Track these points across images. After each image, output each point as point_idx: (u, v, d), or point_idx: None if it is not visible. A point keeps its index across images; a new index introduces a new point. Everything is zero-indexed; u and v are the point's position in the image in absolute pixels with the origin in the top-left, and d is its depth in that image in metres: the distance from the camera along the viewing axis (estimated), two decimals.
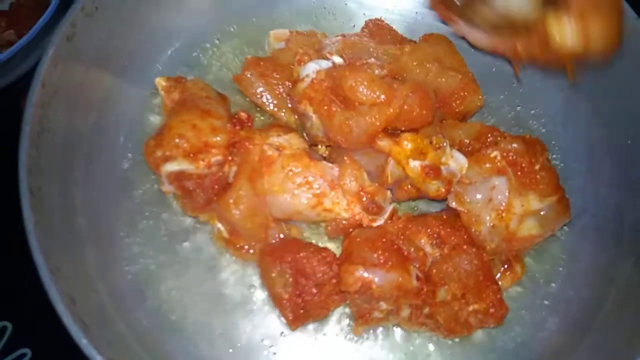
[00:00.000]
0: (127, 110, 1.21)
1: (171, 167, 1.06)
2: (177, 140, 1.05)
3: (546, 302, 1.15)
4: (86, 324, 0.87)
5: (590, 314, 1.10)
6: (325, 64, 1.12)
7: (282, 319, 1.06)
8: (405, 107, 1.05)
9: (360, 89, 1.04)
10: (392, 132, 1.09)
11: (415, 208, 1.21)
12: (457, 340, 1.10)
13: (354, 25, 1.37)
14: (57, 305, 0.87)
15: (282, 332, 1.09)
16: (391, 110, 1.04)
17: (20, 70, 1.40)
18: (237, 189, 1.05)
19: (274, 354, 1.08)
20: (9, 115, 1.21)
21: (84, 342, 0.85)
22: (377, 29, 1.27)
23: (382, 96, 1.04)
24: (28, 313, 1.21)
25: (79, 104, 1.10)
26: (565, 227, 1.19)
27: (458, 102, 1.17)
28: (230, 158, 1.08)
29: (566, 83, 1.23)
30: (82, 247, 1.03)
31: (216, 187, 1.07)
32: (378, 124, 1.05)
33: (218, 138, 1.07)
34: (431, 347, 1.10)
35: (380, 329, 1.10)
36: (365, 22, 1.28)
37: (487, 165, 1.07)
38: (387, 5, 1.39)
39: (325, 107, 1.08)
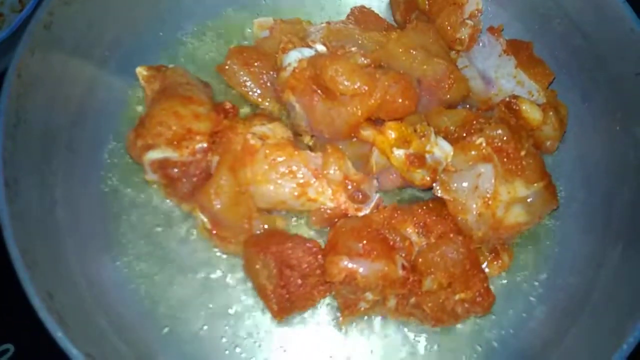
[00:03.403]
0: (108, 100, 1.20)
1: (154, 155, 1.04)
2: (158, 128, 1.03)
3: (534, 291, 1.15)
4: (63, 318, 0.86)
5: (578, 302, 1.09)
6: (308, 53, 1.11)
7: (267, 310, 1.05)
8: (388, 97, 1.04)
9: (341, 79, 1.02)
10: (376, 120, 1.08)
11: (401, 197, 1.19)
12: (445, 330, 1.09)
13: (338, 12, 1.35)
14: (32, 300, 0.86)
15: (267, 324, 1.08)
16: (373, 100, 1.03)
17: (2, 64, 1.37)
18: (218, 179, 1.03)
19: (259, 346, 1.07)
20: None
21: (59, 335, 0.84)
22: (363, 16, 1.26)
23: (364, 87, 1.03)
24: (10, 308, 1.19)
25: (58, 95, 1.08)
26: (553, 215, 1.19)
27: (444, 90, 1.15)
28: (213, 147, 1.07)
29: (554, 69, 1.22)
30: (61, 241, 1.01)
31: (199, 177, 1.06)
32: (360, 114, 1.03)
33: (201, 125, 1.05)
34: (419, 337, 1.09)
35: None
36: (351, 9, 1.26)
37: (473, 152, 1.05)
38: None
39: (307, 97, 1.06)
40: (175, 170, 1.04)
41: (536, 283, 1.15)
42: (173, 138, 1.03)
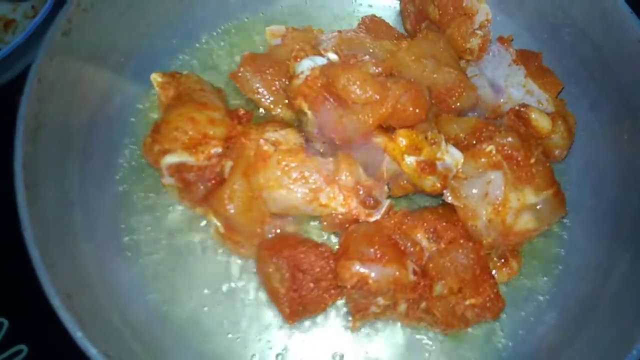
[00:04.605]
0: (123, 106, 1.22)
1: (171, 159, 1.06)
2: (175, 133, 1.05)
3: (543, 297, 1.16)
4: (82, 319, 0.87)
5: (587, 309, 1.10)
6: (320, 61, 1.12)
7: (279, 313, 1.06)
8: (399, 106, 1.05)
9: (353, 89, 1.03)
10: (387, 128, 1.09)
11: (412, 203, 1.20)
12: (454, 335, 1.10)
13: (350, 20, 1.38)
14: (52, 300, 0.87)
15: (279, 327, 1.09)
16: (384, 109, 1.04)
17: (16, 70, 1.40)
18: (232, 184, 1.05)
19: (270, 348, 1.08)
20: (5, 113, 1.21)
21: (79, 335, 0.85)
22: (374, 25, 1.27)
23: (376, 96, 1.04)
24: (24, 309, 1.21)
25: (75, 100, 1.10)
26: (562, 222, 1.20)
27: (454, 98, 1.17)
28: (227, 152, 1.08)
29: (563, 79, 1.23)
30: (78, 243, 1.03)
31: (213, 181, 1.08)
32: (371, 122, 1.04)
33: (217, 130, 1.07)
34: (429, 341, 1.10)
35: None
36: (362, 18, 1.28)
37: (483, 159, 1.06)
38: (384, 2, 1.40)
39: (319, 105, 1.07)
40: (192, 174, 1.06)
41: (545, 289, 1.16)
42: (189, 143, 1.05)
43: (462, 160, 1.07)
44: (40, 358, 1.19)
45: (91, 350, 0.84)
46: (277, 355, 1.08)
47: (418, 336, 1.10)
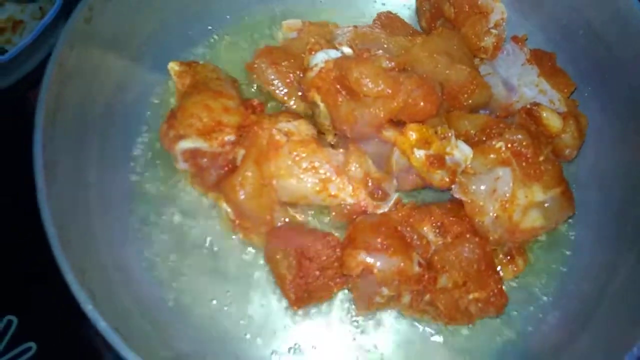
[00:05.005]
0: (141, 93, 1.25)
1: (185, 144, 1.09)
2: (190, 120, 1.08)
3: (547, 296, 1.16)
4: (93, 294, 0.89)
5: (590, 309, 1.10)
6: (334, 54, 1.13)
7: (286, 300, 1.08)
8: (410, 100, 1.06)
9: (365, 82, 1.05)
10: (398, 122, 1.10)
11: (420, 198, 1.21)
12: (457, 330, 1.11)
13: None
14: (66, 276, 0.89)
15: (284, 314, 1.11)
16: (395, 103, 1.05)
17: (24, 70, 1.42)
18: (244, 171, 1.07)
19: (275, 333, 1.10)
20: (16, 112, 1.23)
21: (89, 308, 0.87)
22: (389, 21, 1.29)
23: (388, 90, 1.05)
24: (34, 307, 1.22)
25: (94, 86, 1.13)
26: (568, 221, 1.20)
27: (466, 95, 1.17)
28: (240, 141, 1.11)
29: (575, 79, 1.24)
30: (92, 224, 1.06)
31: (226, 168, 1.10)
32: (382, 115, 1.06)
33: (231, 118, 1.10)
34: (432, 332, 1.11)
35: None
36: (377, 14, 1.29)
37: (492, 156, 1.07)
38: (399, 0, 1.42)
39: (332, 97, 1.09)
40: (205, 160, 1.09)
41: (549, 288, 1.16)
42: (204, 129, 1.07)
43: (471, 156, 1.08)
44: (49, 356, 1.19)
45: (101, 323, 0.86)
46: (282, 340, 1.09)
47: (421, 327, 1.11)
